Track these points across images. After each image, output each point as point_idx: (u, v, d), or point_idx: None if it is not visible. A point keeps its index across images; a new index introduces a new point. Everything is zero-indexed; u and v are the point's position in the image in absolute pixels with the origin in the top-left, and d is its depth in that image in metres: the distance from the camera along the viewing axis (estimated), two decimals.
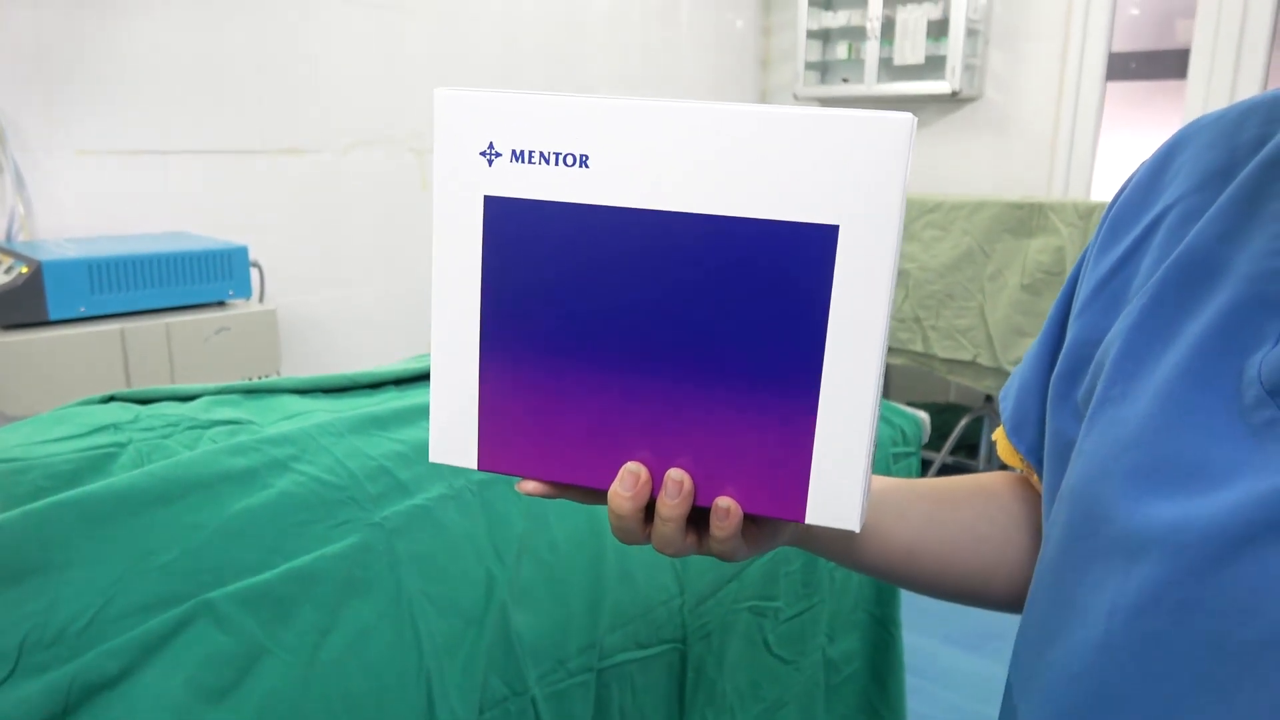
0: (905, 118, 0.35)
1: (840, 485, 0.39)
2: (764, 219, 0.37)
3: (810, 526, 0.50)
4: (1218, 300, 0.39)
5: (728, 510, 0.41)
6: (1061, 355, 0.49)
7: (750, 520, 0.44)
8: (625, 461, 0.41)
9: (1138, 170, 0.49)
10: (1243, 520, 0.33)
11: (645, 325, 0.40)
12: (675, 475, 0.40)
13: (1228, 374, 0.37)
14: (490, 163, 0.40)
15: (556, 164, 0.39)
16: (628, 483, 0.41)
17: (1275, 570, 0.32)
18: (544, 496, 0.44)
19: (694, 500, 0.41)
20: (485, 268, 0.41)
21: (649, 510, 0.43)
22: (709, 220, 0.38)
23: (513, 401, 0.42)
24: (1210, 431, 0.37)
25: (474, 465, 0.44)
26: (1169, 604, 0.35)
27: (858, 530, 0.40)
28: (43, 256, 1.54)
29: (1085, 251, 0.51)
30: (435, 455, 0.44)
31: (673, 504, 0.41)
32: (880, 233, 0.37)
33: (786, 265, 0.38)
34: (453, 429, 0.43)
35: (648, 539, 0.44)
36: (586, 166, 0.39)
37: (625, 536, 0.44)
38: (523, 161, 0.39)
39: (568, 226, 0.39)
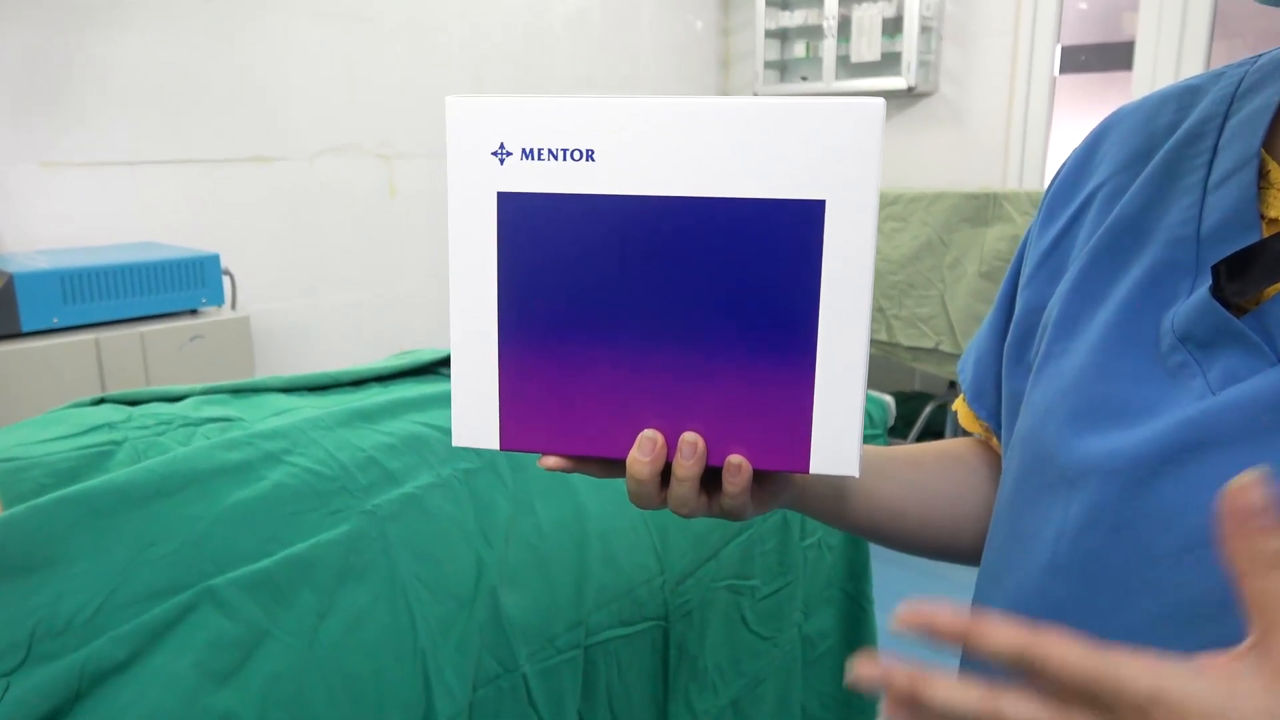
0: (877, 101, 0.40)
1: (839, 435, 0.44)
2: (757, 198, 0.42)
3: (806, 486, 0.54)
4: (1140, 264, 0.45)
5: (739, 466, 0.44)
6: (1013, 324, 0.54)
7: (756, 479, 0.48)
8: (640, 430, 0.45)
9: (1070, 156, 0.55)
10: (1162, 445, 0.39)
11: (653, 302, 0.43)
12: (690, 438, 0.44)
13: (1149, 326, 0.43)
14: (502, 161, 0.43)
15: (565, 159, 0.43)
16: (646, 448, 0.44)
17: (1189, 485, 0.38)
18: (564, 470, 0.47)
19: (707, 461, 0.45)
20: (501, 259, 0.44)
21: (664, 475, 0.46)
22: (708, 203, 0.42)
23: (531, 383, 0.45)
24: (1135, 375, 0.42)
25: (496, 446, 0.47)
26: (1105, 524, 0.40)
27: (858, 475, 0.44)
28: (14, 269, 1.54)
29: (1028, 231, 0.57)
30: (459, 439, 0.47)
31: (688, 464, 0.44)
32: (862, 204, 0.41)
33: (780, 239, 0.42)
34: (475, 413, 0.46)
35: (663, 503, 0.47)
36: (593, 160, 0.42)
37: (643, 501, 0.47)
38: (533, 159, 0.43)
39: (578, 216, 0.43)
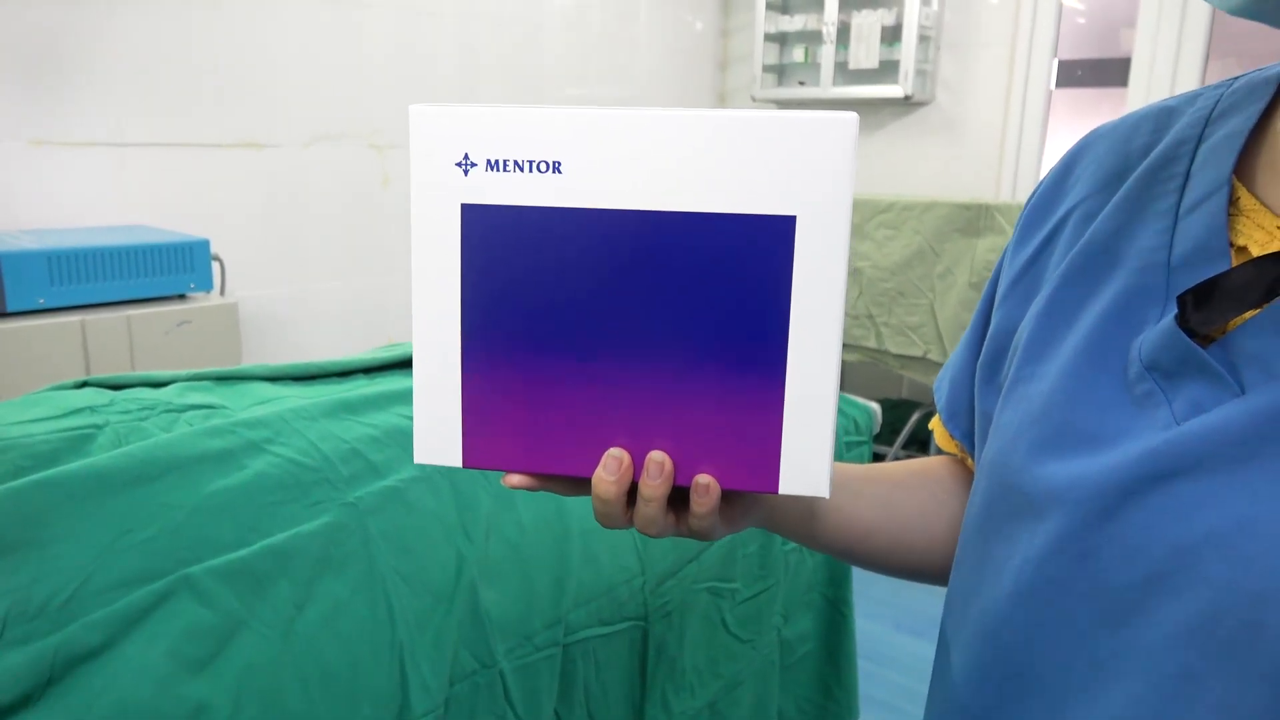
0: (850, 116, 0.39)
1: (809, 456, 0.43)
2: (727, 213, 0.41)
3: (777, 506, 0.53)
4: (1111, 289, 0.44)
5: (707, 487, 0.43)
6: (985, 344, 0.54)
7: (725, 499, 0.47)
8: (606, 449, 0.44)
9: (1047, 175, 0.55)
10: (1127, 476, 0.38)
11: (620, 318, 0.42)
12: (656, 457, 0.43)
13: (1117, 353, 0.42)
14: (466, 172, 0.42)
15: (530, 171, 0.42)
16: (611, 467, 0.43)
17: (1150, 517, 0.37)
18: (529, 489, 0.46)
19: (674, 480, 0.44)
20: (464, 273, 0.43)
21: (631, 495, 0.45)
22: (676, 217, 0.41)
23: (495, 399, 0.44)
24: (1102, 403, 0.42)
25: (459, 464, 0.45)
26: (1069, 554, 0.40)
27: (828, 496, 0.43)
28: (0, 248, 1.53)
29: (1005, 250, 0.56)
30: (420, 456, 0.46)
31: (654, 484, 0.43)
32: (833, 220, 0.40)
33: (750, 255, 0.41)
34: (437, 430, 0.45)
35: (629, 522, 0.46)
36: (559, 172, 0.41)
37: (608, 521, 0.46)
38: (498, 170, 0.42)
39: (543, 229, 0.42)
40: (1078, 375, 0.43)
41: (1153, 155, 0.46)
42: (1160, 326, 0.41)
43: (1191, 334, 0.39)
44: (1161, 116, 0.48)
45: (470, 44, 2.62)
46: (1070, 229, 0.49)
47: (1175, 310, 0.40)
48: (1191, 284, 0.40)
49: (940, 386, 0.61)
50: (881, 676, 1.98)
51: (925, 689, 0.54)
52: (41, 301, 1.56)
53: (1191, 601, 0.36)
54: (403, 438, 0.86)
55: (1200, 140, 0.45)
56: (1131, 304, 0.43)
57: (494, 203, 0.42)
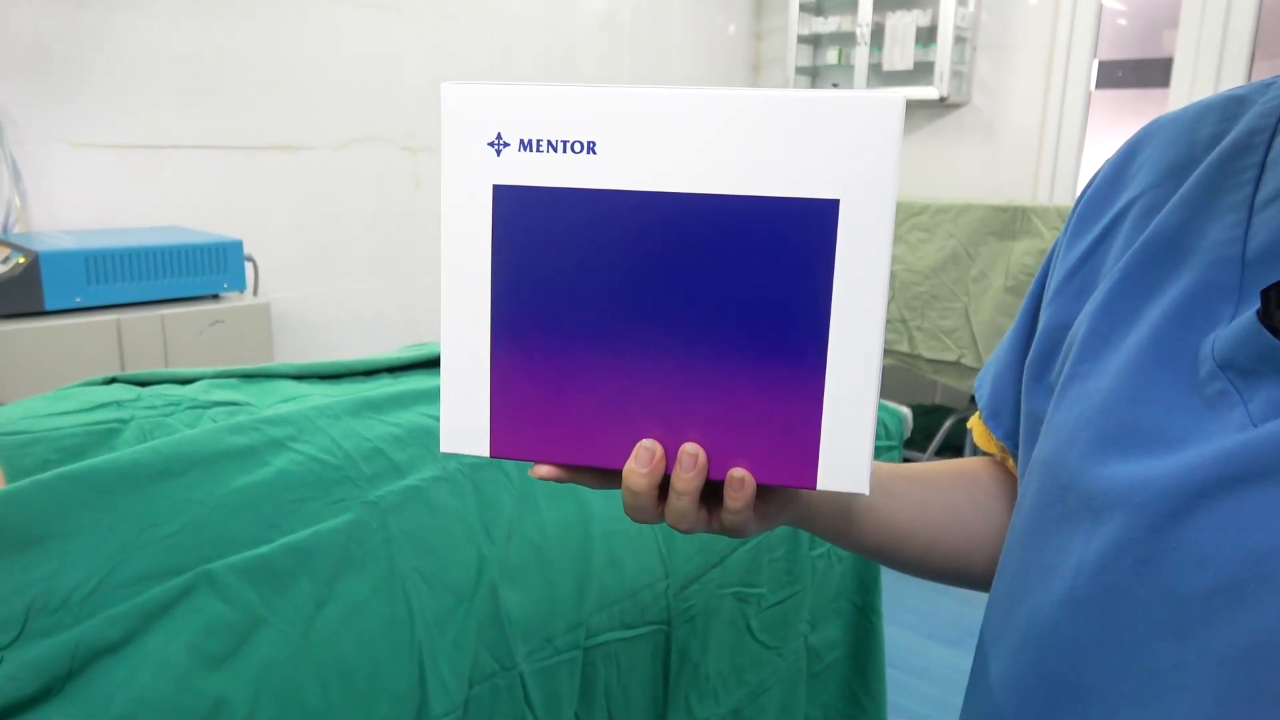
0: (897, 97, 0.38)
1: (849, 451, 0.41)
2: (767, 196, 0.39)
3: (812, 503, 0.52)
4: (1178, 284, 0.42)
5: (742, 480, 0.42)
6: (1035, 341, 0.52)
7: (759, 495, 0.45)
8: (638, 440, 0.42)
9: (1103, 166, 0.52)
10: (1197, 479, 0.36)
11: (655, 305, 0.41)
12: (690, 449, 0.42)
13: (1185, 351, 0.40)
14: (499, 152, 0.41)
15: (564, 151, 0.40)
16: (643, 459, 0.42)
17: (1224, 522, 0.35)
18: (557, 480, 0.44)
19: (708, 474, 0.42)
20: (495, 256, 0.42)
21: (662, 488, 0.44)
22: (714, 200, 0.39)
23: (524, 387, 0.43)
24: (1168, 402, 0.39)
25: (486, 453, 0.44)
26: (1130, 559, 0.38)
27: (868, 493, 0.42)
28: (40, 247, 1.56)
29: (1055, 244, 0.54)
30: (447, 445, 0.44)
31: (688, 477, 0.42)
32: (878, 205, 0.39)
33: (790, 240, 0.39)
34: (464, 418, 0.44)
35: (660, 517, 0.45)
36: (594, 153, 0.40)
37: (639, 515, 0.44)
38: (531, 150, 0.40)
39: (577, 211, 0.40)
40: (1141, 373, 0.41)
41: (1222, 145, 0.44)
42: (1237, 323, 0.38)
43: (1272, 331, 0.37)
44: (1230, 105, 0.45)
45: (502, 47, 2.63)
46: (1130, 223, 0.47)
47: (1253, 306, 0.38)
48: (1269, 280, 0.38)
49: (982, 385, 0.59)
50: (911, 686, 1.95)
51: (956, 700, 0.52)
52: (79, 300, 1.58)
53: (1268, 612, 0.34)
54: (425, 437, 0.85)
55: (1276, 130, 0.42)
56: (1200, 300, 0.41)
57: (527, 184, 0.41)
